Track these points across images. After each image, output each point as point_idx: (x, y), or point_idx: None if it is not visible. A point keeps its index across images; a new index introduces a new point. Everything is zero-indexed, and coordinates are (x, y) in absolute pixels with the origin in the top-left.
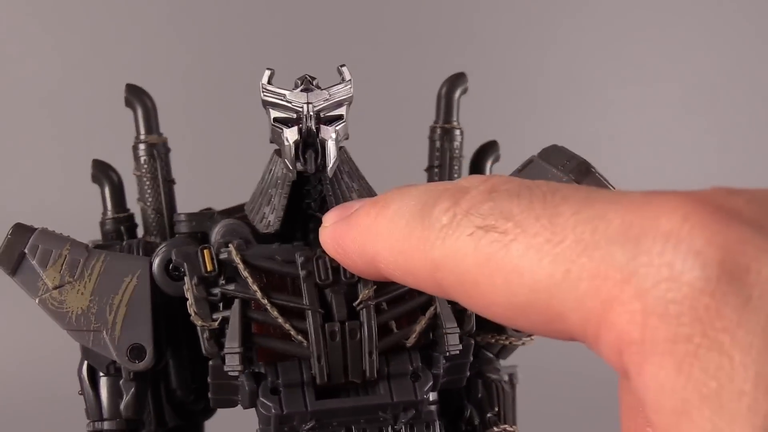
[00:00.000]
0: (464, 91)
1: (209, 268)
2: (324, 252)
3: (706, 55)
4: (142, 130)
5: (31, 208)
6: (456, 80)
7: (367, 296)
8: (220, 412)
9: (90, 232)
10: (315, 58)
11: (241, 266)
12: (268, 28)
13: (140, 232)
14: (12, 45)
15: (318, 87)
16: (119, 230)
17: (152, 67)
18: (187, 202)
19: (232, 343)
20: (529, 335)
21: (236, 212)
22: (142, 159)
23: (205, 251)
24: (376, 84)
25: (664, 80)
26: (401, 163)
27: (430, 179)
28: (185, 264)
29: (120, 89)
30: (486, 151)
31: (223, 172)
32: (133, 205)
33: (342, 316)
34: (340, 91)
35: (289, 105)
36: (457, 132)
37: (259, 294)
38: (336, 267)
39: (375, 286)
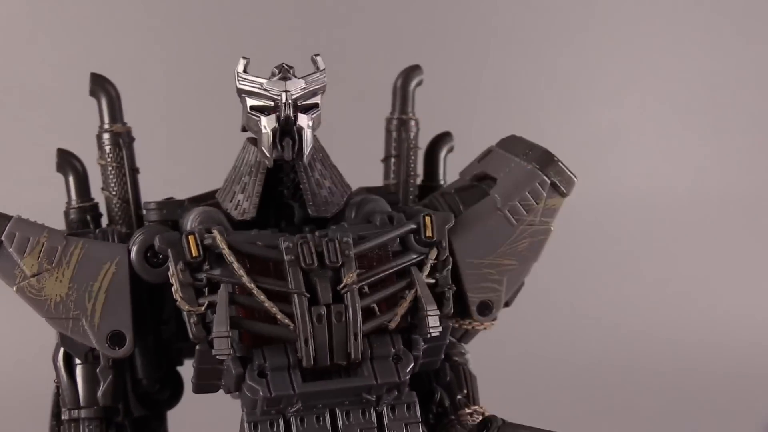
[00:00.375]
0: (419, 83)
1: (194, 253)
2: (307, 237)
3: (702, 53)
4: (107, 119)
5: None
6: (411, 72)
7: (352, 280)
8: (184, 402)
9: (51, 222)
10: (278, 46)
11: (226, 251)
12: (234, 14)
13: (104, 221)
14: None
15: (295, 76)
16: (84, 219)
17: (117, 54)
18: (148, 191)
19: (220, 327)
20: (492, 320)
21: (205, 200)
22: (107, 148)
23: (190, 237)
24: (335, 74)
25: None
26: (359, 154)
27: (387, 169)
28: (170, 250)
29: (84, 78)
30: (440, 142)
31: (183, 161)
32: (98, 194)
33: (327, 299)
34: (316, 80)
35: (267, 93)
36: (413, 123)
37: (245, 278)
38: (320, 252)
39: (358, 270)
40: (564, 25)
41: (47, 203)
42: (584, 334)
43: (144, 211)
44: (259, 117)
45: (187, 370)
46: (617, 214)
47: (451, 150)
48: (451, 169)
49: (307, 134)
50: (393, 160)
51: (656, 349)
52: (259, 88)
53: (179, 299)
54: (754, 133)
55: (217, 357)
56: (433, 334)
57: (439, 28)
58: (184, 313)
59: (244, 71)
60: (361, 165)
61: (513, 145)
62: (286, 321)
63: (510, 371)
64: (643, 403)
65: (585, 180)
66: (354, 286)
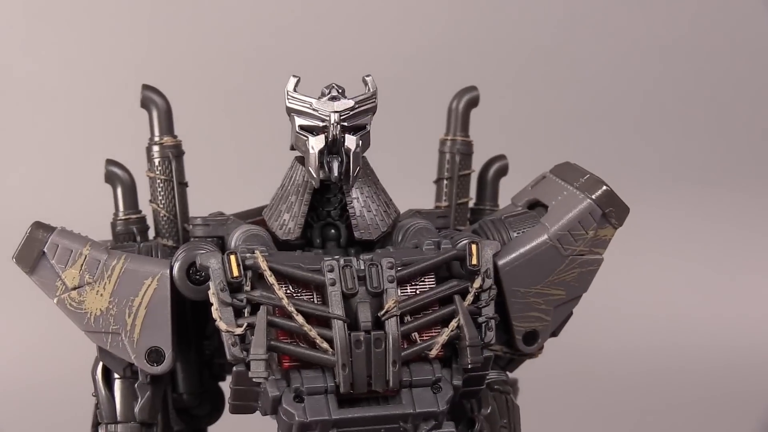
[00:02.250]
0: (475, 105)
1: (235, 273)
2: (350, 261)
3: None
4: (157, 132)
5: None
6: (467, 93)
7: (393, 307)
8: (224, 418)
9: (98, 233)
10: (330, 65)
11: (267, 273)
12: (287, 33)
13: (151, 233)
14: (24, 41)
15: (344, 96)
16: (131, 231)
17: (168, 67)
18: (197, 205)
19: (258, 349)
20: (539, 348)
21: (251, 216)
22: (156, 161)
23: (232, 257)
24: (388, 94)
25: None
26: (411, 175)
27: (439, 190)
28: (211, 269)
29: (135, 90)
30: (494, 165)
31: (232, 176)
32: (145, 206)
33: (367, 325)
34: (366, 101)
35: (316, 113)
36: (467, 145)
37: (285, 301)
38: (362, 276)
39: (401, 296)
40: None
41: (95, 214)
42: (583, 335)
43: (190, 226)
44: (307, 137)
45: (227, 386)
46: None
47: (504, 173)
48: (505, 193)
49: (355, 155)
50: (445, 182)
51: (655, 349)
52: (308, 108)
53: (218, 319)
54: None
55: (254, 380)
56: (473, 365)
57: (498, 50)
58: (223, 334)
59: (294, 90)
60: (414, 186)
61: (567, 172)
62: (325, 345)
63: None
64: (642, 404)
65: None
66: (395, 313)
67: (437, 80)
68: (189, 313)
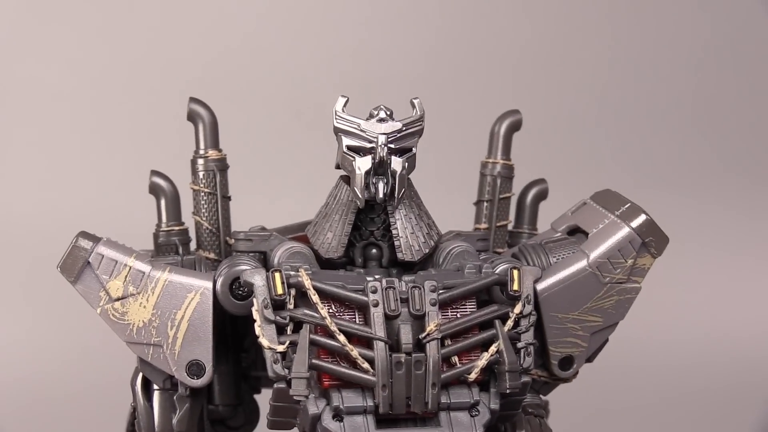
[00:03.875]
0: (517, 128)
1: (279, 291)
2: (393, 282)
3: None
4: (203, 145)
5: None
6: (509, 116)
7: (434, 330)
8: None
9: (138, 244)
10: (375, 86)
11: (311, 291)
12: (333, 53)
13: (193, 246)
14: (73, 49)
15: (392, 118)
16: (173, 243)
17: (216, 81)
18: (239, 219)
19: (300, 368)
20: (575, 373)
21: (292, 232)
22: (201, 174)
23: (276, 274)
24: (428, 115)
25: None
26: (452, 196)
27: (479, 213)
28: (255, 286)
29: (182, 103)
30: (534, 189)
31: (275, 191)
32: (188, 218)
33: (408, 347)
34: (413, 124)
35: (363, 134)
36: (508, 168)
37: (328, 320)
38: (404, 298)
39: (442, 319)
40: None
41: (138, 224)
42: None
43: (232, 240)
44: (354, 157)
45: (263, 398)
46: None
47: (544, 197)
48: (544, 217)
49: (401, 177)
50: (485, 204)
51: (654, 349)
52: (356, 129)
53: (261, 336)
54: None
55: (294, 397)
56: (512, 390)
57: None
58: (265, 351)
59: (343, 110)
60: (454, 208)
61: (607, 199)
62: (366, 366)
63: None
64: (640, 404)
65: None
66: (436, 336)
67: (480, 102)
68: (228, 326)
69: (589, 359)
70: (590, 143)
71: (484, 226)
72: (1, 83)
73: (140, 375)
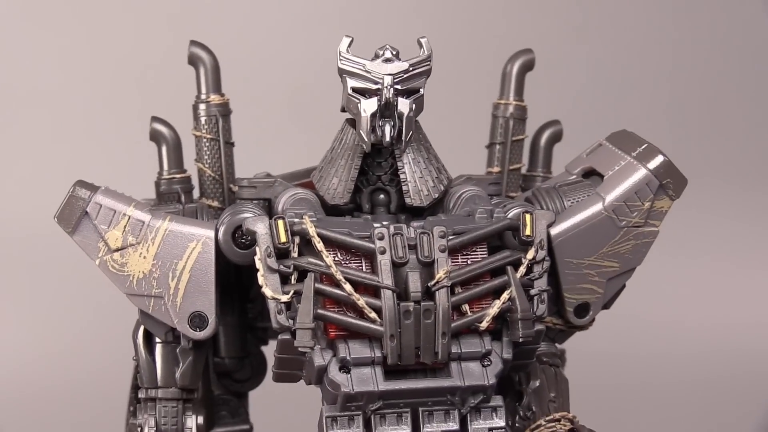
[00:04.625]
0: (530, 68)
1: (283, 239)
2: (401, 228)
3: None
4: (204, 89)
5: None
6: (522, 56)
7: (444, 277)
8: (266, 383)
9: (140, 192)
10: (382, 27)
11: (316, 239)
12: None
13: (196, 194)
14: (71, 18)
15: (398, 58)
16: (175, 191)
17: (215, 26)
18: (244, 165)
19: (304, 318)
20: (591, 320)
21: (298, 178)
22: (203, 119)
23: (279, 222)
24: (439, 57)
25: None
26: (463, 139)
27: (491, 156)
28: (258, 233)
29: (184, 47)
30: (548, 130)
31: (280, 136)
32: (190, 165)
33: (417, 296)
34: (420, 64)
35: (369, 75)
36: (521, 109)
37: (333, 269)
38: (413, 245)
39: (452, 266)
40: None
41: (140, 172)
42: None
43: (236, 187)
44: (359, 99)
45: (270, 350)
46: None
47: (558, 139)
48: (558, 159)
49: (408, 119)
50: (498, 147)
51: (653, 350)
52: (361, 70)
53: (264, 286)
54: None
55: (299, 349)
56: (525, 339)
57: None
58: (268, 301)
59: (347, 51)
60: (466, 150)
61: (623, 140)
62: (373, 315)
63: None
64: (640, 405)
65: None
66: (446, 283)
67: (491, 42)
68: (232, 276)
69: (606, 306)
70: (605, 82)
71: (496, 169)
72: None
73: (141, 328)
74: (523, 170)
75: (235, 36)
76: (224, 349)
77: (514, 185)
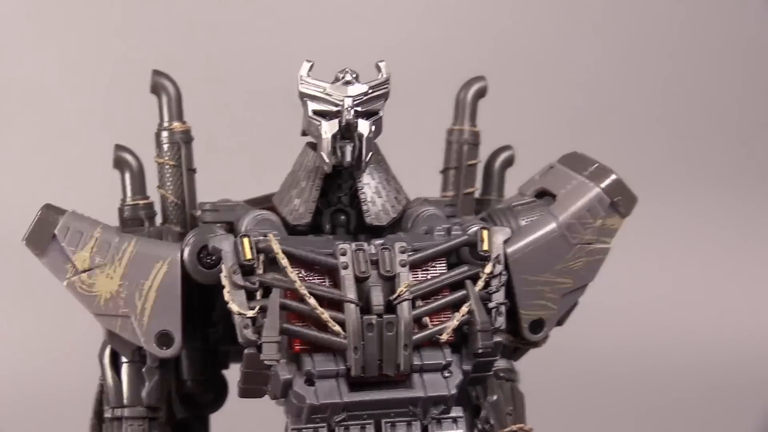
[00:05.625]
0: (482, 95)
1: (248, 256)
2: (363, 245)
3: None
4: (166, 117)
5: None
6: (475, 83)
7: (405, 291)
8: (227, 406)
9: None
10: (341, 52)
11: (280, 255)
12: (299, 19)
13: (159, 220)
14: (30, 26)
15: (358, 81)
16: (139, 217)
17: (177, 53)
18: (205, 191)
19: (270, 332)
20: (544, 337)
21: (259, 204)
22: (165, 146)
23: (245, 239)
24: (396, 82)
25: None
26: (417, 164)
27: (446, 180)
28: (223, 252)
29: (146, 74)
30: (500, 155)
31: (240, 163)
32: (153, 192)
33: (379, 309)
34: (379, 87)
35: (329, 98)
36: (474, 135)
37: (298, 284)
38: (374, 260)
39: (412, 281)
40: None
41: (103, 199)
42: (582, 332)
43: (198, 212)
44: (320, 122)
45: (231, 374)
46: None
47: (510, 163)
48: (511, 183)
49: (368, 141)
50: (452, 171)
51: (652, 350)
52: (321, 93)
53: (230, 302)
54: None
55: (266, 362)
56: (484, 350)
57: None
58: (235, 316)
59: (308, 75)
60: (419, 175)
61: (575, 161)
62: (337, 329)
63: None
64: (638, 407)
65: None
66: (407, 297)
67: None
68: (195, 300)
69: (559, 322)
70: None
71: (451, 193)
72: None
73: (108, 348)
74: (477, 194)
75: (198, 64)
76: (187, 372)
77: (468, 209)
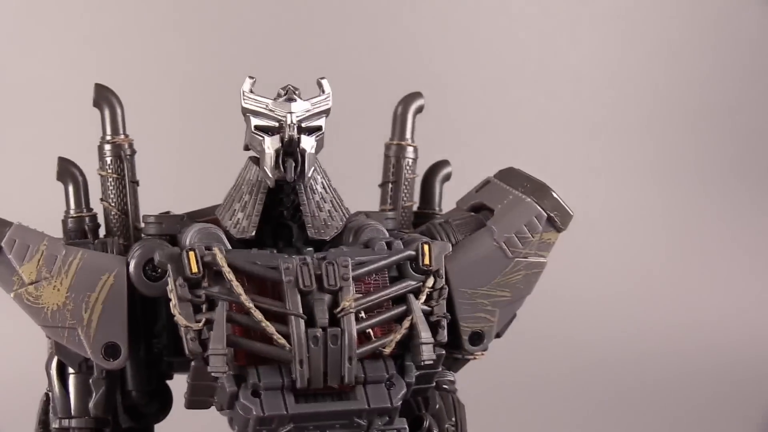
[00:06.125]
0: (420, 110)
1: (194, 270)
2: (306, 259)
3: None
4: (109, 131)
5: None
6: (412, 99)
7: (349, 304)
8: (171, 416)
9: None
10: (283, 67)
11: (225, 269)
12: (241, 31)
13: (102, 232)
14: None
15: (300, 98)
16: (82, 229)
17: (122, 65)
18: (147, 204)
19: (216, 344)
20: (482, 350)
21: (202, 216)
22: (108, 159)
23: (191, 253)
24: (336, 97)
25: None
26: (356, 177)
27: (384, 194)
28: (170, 265)
29: (88, 86)
30: (438, 169)
31: (182, 176)
32: (97, 204)
33: (324, 322)
34: (321, 103)
35: (272, 114)
36: (411, 149)
37: (243, 297)
38: (318, 275)
39: (356, 295)
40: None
41: (46, 211)
42: (573, 340)
43: (142, 224)
44: (263, 137)
45: (175, 384)
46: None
47: (448, 178)
48: (448, 197)
49: (310, 156)
50: (390, 185)
51: (652, 351)
52: (264, 109)
53: (177, 315)
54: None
55: (213, 374)
56: (426, 362)
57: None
58: (181, 329)
59: (250, 91)
60: (357, 189)
61: (511, 177)
62: (282, 341)
63: (496, 398)
64: (638, 408)
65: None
66: (351, 310)
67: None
68: (139, 311)
69: (498, 335)
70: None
71: (389, 207)
72: None
73: (55, 359)
74: (415, 208)
75: (140, 76)
76: (132, 383)
77: (406, 222)
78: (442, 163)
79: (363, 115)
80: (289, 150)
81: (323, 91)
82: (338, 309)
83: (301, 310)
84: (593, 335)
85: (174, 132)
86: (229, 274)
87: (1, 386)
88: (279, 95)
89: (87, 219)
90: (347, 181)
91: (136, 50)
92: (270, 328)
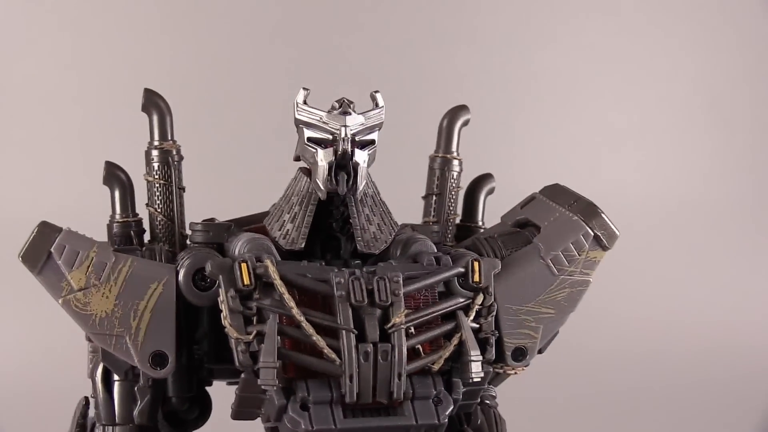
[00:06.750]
0: (465, 123)
1: (246, 281)
2: (358, 273)
3: (705, 57)
4: (157, 136)
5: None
6: (458, 112)
7: (400, 320)
8: (210, 423)
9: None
10: (337, 79)
11: (278, 282)
12: (293, 43)
13: (146, 237)
14: (24, 41)
15: (354, 111)
16: (127, 234)
17: (170, 72)
18: (193, 210)
19: (267, 357)
20: (524, 365)
21: (248, 224)
22: (155, 165)
23: (243, 265)
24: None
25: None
26: (400, 189)
27: (427, 206)
28: (221, 276)
29: (137, 93)
30: (481, 183)
31: (228, 182)
32: (142, 209)
33: (374, 337)
34: (374, 117)
35: (326, 127)
36: (456, 162)
37: (295, 311)
38: (370, 289)
39: (406, 311)
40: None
41: (92, 215)
42: (581, 339)
43: (189, 232)
44: (315, 149)
45: (214, 390)
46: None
47: (491, 192)
48: (490, 211)
49: (363, 170)
50: (434, 198)
51: (652, 351)
52: (318, 121)
53: (228, 326)
54: (755, 134)
55: (263, 387)
56: (475, 380)
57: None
58: (232, 341)
59: (304, 102)
60: (403, 200)
61: (558, 194)
62: (333, 356)
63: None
64: (638, 408)
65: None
66: (402, 326)
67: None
68: (181, 318)
69: (540, 350)
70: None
71: (432, 219)
72: None
73: (100, 366)
74: (457, 221)
75: (189, 83)
76: (172, 389)
77: (449, 235)
78: (487, 177)
79: (410, 127)
80: (342, 163)
81: (377, 105)
82: (389, 324)
83: (352, 325)
84: (594, 335)
85: (222, 139)
86: (281, 287)
87: (1, 386)
88: (333, 108)
89: (133, 224)
90: (393, 191)
91: (186, 54)
92: (321, 342)
